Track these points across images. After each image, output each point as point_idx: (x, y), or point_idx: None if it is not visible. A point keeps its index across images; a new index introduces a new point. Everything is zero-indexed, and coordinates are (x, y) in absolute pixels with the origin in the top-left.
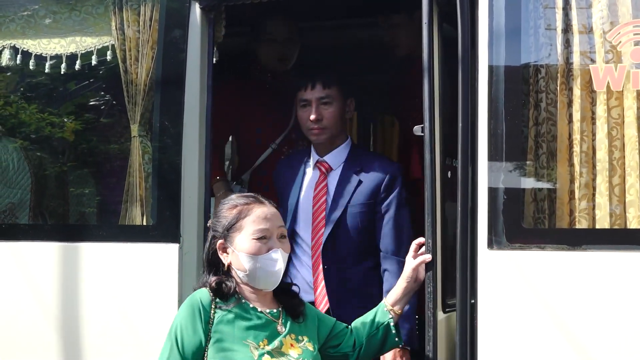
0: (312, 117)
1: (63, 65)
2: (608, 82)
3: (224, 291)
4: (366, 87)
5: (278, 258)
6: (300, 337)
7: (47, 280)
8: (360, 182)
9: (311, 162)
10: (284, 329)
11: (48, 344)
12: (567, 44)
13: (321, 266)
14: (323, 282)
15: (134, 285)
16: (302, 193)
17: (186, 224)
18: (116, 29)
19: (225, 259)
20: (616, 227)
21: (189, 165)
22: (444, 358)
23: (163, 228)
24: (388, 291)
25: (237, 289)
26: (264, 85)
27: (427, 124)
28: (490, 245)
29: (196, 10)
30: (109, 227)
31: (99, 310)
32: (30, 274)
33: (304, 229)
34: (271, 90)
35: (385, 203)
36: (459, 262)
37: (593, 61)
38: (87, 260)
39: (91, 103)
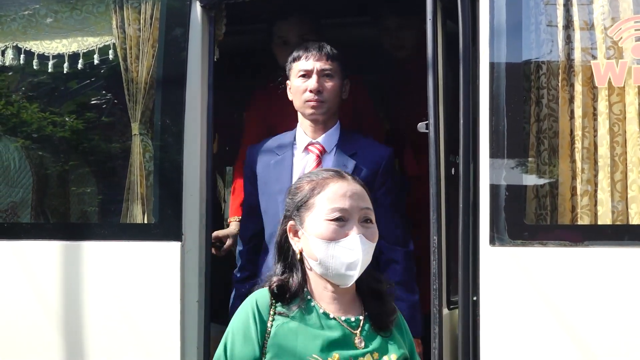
0: (314, 86)
1: (64, 64)
2: (609, 78)
3: (287, 290)
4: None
5: (356, 246)
6: (386, 358)
7: (50, 278)
8: (356, 166)
9: (299, 145)
10: (363, 344)
11: (50, 343)
12: (568, 40)
13: None
14: None
15: (136, 283)
16: (294, 178)
17: (188, 222)
18: (117, 27)
19: (296, 244)
20: (618, 223)
21: (190, 163)
22: (448, 354)
23: (165, 226)
24: (398, 283)
25: (307, 286)
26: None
27: (431, 121)
28: (492, 241)
29: (197, 8)
30: (110, 225)
31: (101, 309)
32: (32, 272)
33: None
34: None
35: (383, 190)
36: (461, 259)
37: (594, 57)
38: (89, 259)
39: (92, 102)
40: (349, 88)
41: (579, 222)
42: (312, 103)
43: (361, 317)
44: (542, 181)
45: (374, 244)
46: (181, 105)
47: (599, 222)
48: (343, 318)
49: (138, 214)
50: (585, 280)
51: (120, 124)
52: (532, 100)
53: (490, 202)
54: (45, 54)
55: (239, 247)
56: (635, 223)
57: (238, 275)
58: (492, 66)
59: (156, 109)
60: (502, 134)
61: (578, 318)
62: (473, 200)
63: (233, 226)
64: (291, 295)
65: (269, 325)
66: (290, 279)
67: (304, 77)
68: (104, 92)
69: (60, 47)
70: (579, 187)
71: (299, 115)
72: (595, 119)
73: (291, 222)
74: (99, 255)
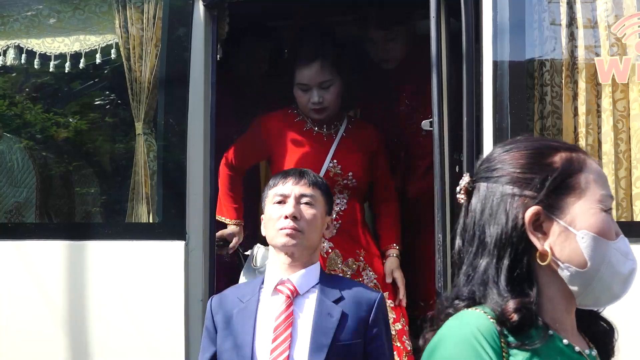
0: (289, 211)
1: (67, 64)
2: (613, 75)
3: (529, 318)
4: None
5: (630, 251)
6: None
7: (55, 278)
8: (343, 315)
9: (267, 286)
10: None
11: (55, 342)
12: (572, 37)
13: None
14: None
15: (141, 282)
16: (259, 329)
17: (192, 222)
18: (120, 27)
19: (540, 242)
20: (623, 219)
21: (194, 162)
22: None
23: (169, 225)
24: None
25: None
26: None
27: (435, 119)
28: None
29: (199, 7)
30: (115, 225)
31: (106, 308)
32: (37, 272)
33: None
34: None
35: (377, 344)
36: None
37: (598, 54)
38: (94, 258)
39: (96, 101)
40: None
41: None
42: (287, 231)
43: (593, 349)
44: None
45: None
46: (184, 104)
47: None
48: (587, 351)
49: (142, 214)
50: None
51: (123, 124)
52: (535, 98)
53: None
54: (48, 54)
55: None
56: None
57: None
58: (496, 63)
59: (159, 108)
60: (505, 131)
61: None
62: None
63: (234, 228)
64: (532, 323)
65: None
66: (529, 298)
67: (279, 203)
68: (107, 92)
69: (63, 47)
70: None
71: (271, 251)
72: (599, 116)
73: (537, 208)
74: (104, 254)
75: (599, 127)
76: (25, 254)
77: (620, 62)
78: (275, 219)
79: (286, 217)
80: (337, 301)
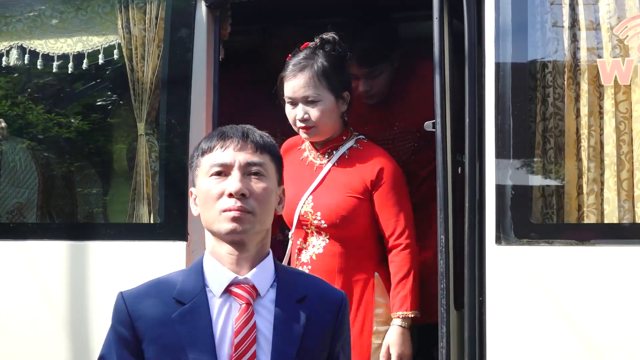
0: (235, 187)
1: (70, 65)
2: (615, 76)
3: None
4: None
5: None
6: None
7: (55, 278)
8: (308, 319)
9: (213, 286)
10: None
11: (57, 343)
12: (574, 38)
13: None
14: None
15: (141, 283)
16: (218, 337)
17: (193, 222)
18: (122, 27)
19: None
20: (625, 221)
21: None
22: (456, 354)
23: (170, 226)
24: None
25: None
26: None
27: (438, 120)
28: (499, 240)
29: (202, 8)
30: (116, 225)
31: (107, 308)
32: (38, 272)
33: None
34: None
35: (339, 348)
36: (467, 258)
37: (600, 55)
38: (95, 259)
39: (98, 101)
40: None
41: (585, 221)
42: (233, 213)
43: None
44: (548, 180)
45: None
46: (186, 105)
47: (606, 221)
48: None
49: (144, 214)
50: (591, 279)
51: (126, 124)
52: (537, 99)
53: (496, 201)
54: (51, 55)
55: None
56: None
57: None
58: (498, 65)
59: (162, 109)
60: (507, 133)
61: (584, 317)
62: (479, 199)
63: None
64: None
65: None
66: None
67: (219, 175)
68: (109, 92)
69: (65, 48)
70: (585, 185)
71: (209, 239)
72: (601, 118)
73: None
74: (105, 255)
75: (602, 129)
76: (26, 254)
77: (623, 64)
78: (214, 198)
79: (230, 195)
80: (300, 301)
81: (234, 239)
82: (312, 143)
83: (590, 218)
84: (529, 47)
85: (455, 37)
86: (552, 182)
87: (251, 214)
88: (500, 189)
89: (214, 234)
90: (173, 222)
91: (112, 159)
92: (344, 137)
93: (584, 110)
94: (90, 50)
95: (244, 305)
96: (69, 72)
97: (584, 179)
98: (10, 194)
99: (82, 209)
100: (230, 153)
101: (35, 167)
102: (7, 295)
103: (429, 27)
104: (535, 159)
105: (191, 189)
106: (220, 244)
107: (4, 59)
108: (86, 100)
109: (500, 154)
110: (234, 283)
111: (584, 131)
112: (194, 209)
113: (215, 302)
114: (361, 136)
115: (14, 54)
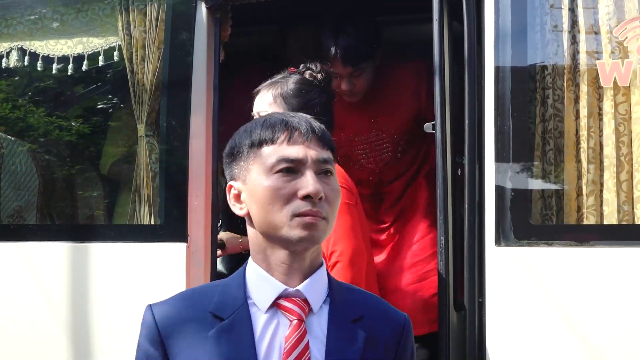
0: (314, 188)
1: (70, 66)
2: (615, 78)
3: None
4: None
5: None
6: None
7: (55, 279)
8: (367, 340)
9: (258, 300)
10: None
11: (57, 344)
12: (574, 40)
13: None
14: None
15: (141, 284)
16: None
17: (193, 223)
18: (123, 29)
19: None
20: (624, 223)
21: (196, 164)
22: (456, 355)
23: (170, 227)
24: None
25: None
26: None
27: (438, 122)
28: (498, 242)
29: (202, 10)
30: (117, 227)
31: (108, 310)
32: (39, 274)
33: None
34: None
35: None
36: (467, 260)
37: (599, 57)
38: (95, 260)
39: (98, 103)
40: None
41: (585, 222)
42: (309, 220)
43: None
44: (547, 181)
45: None
46: (187, 106)
47: (605, 222)
48: None
49: (144, 216)
50: (591, 280)
51: (126, 126)
52: (537, 101)
53: (496, 202)
54: (51, 56)
55: None
56: None
57: None
58: (498, 67)
59: (162, 110)
60: (507, 135)
61: (584, 318)
62: (479, 200)
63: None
64: None
65: None
66: None
67: (287, 172)
68: (110, 94)
69: (66, 50)
70: (584, 187)
71: (257, 244)
72: (600, 119)
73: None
74: (105, 256)
75: (601, 130)
76: (27, 256)
77: (622, 66)
78: (284, 199)
79: (305, 198)
80: (356, 321)
81: (300, 248)
82: None
83: (589, 219)
84: (529, 49)
85: (455, 39)
86: (552, 184)
87: (325, 220)
88: (499, 191)
89: (272, 238)
90: (173, 224)
91: (113, 160)
92: None
93: (583, 112)
94: (90, 52)
95: (295, 321)
96: (70, 74)
97: (584, 181)
98: (12, 197)
99: (83, 210)
100: (301, 147)
101: (36, 169)
102: (7, 296)
103: (429, 30)
104: (534, 161)
105: (232, 183)
106: (274, 250)
107: (4, 60)
108: (86, 102)
109: (499, 155)
110: (283, 296)
111: (584, 133)
112: (236, 206)
113: (260, 318)
114: None
115: (14, 55)
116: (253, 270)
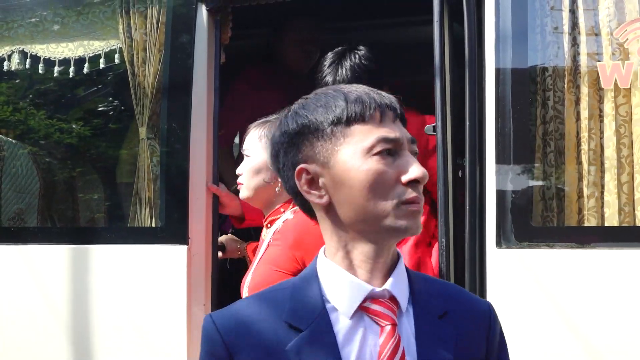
0: (419, 172)
1: (71, 69)
2: (615, 80)
3: None
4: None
5: None
6: None
7: (57, 282)
8: (457, 341)
9: (341, 305)
10: None
11: (57, 346)
12: (574, 42)
13: None
14: None
15: (143, 286)
16: None
17: (194, 226)
18: (124, 32)
19: None
20: (625, 224)
21: (197, 167)
22: None
23: (171, 230)
24: None
25: None
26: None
27: (439, 124)
28: (499, 244)
29: (203, 12)
30: (118, 229)
31: (108, 312)
32: (40, 276)
33: None
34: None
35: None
36: (468, 261)
37: (600, 59)
38: (96, 262)
39: (99, 106)
40: None
41: (586, 224)
42: (415, 207)
43: None
44: (548, 183)
45: None
46: (187, 109)
47: (606, 224)
48: None
49: (145, 218)
50: (592, 282)
51: (127, 128)
52: (538, 103)
53: (497, 204)
54: (52, 59)
55: None
56: None
57: None
58: (498, 68)
59: (163, 113)
60: (508, 136)
61: (585, 320)
62: (479, 202)
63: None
64: None
65: None
66: None
67: (387, 155)
68: (111, 97)
69: (67, 52)
70: (585, 189)
71: (335, 237)
72: (601, 121)
73: None
74: (106, 258)
75: (602, 132)
76: (28, 258)
77: (623, 67)
78: (390, 184)
79: (408, 184)
80: (442, 317)
81: (400, 237)
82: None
83: (590, 221)
84: (529, 50)
85: (456, 41)
86: (553, 185)
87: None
88: (500, 192)
89: (367, 230)
90: (174, 226)
91: (114, 162)
92: (282, 209)
93: (584, 114)
94: (91, 55)
95: (388, 327)
96: (71, 76)
97: (584, 182)
98: (12, 199)
99: (84, 213)
100: (393, 126)
101: (37, 172)
102: (8, 299)
103: (430, 32)
104: (535, 162)
105: (305, 166)
106: (357, 244)
107: (5, 63)
108: (87, 104)
109: (500, 157)
110: (370, 297)
111: (584, 134)
112: (312, 194)
113: (343, 325)
114: None
115: (15, 58)
116: (329, 268)
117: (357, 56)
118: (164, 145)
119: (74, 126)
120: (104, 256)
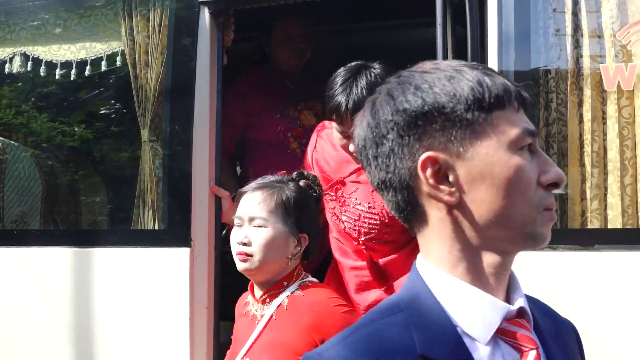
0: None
1: (73, 72)
2: (618, 82)
3: None
4: None
5: None
6: None
7: (60, 284)
8: (572, 356)
9: (476, 331)
10: None
11: (60, 348)
12: (577, 44)
13: None
14: None
15: (146, 289)
16: None
17: (197, 228)
18: (126, 34)
19: None
20: (628, 227)
21: (199, 169)
22: None
23: (174, 232)
24: None
25: None
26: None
27: None
28: None
29: (205, 15)
30: (120, 231)
31: (111, 315)
32: (42, 279)
33: None
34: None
35: None
36: None
37: (603, 61)
38: (99, 265)
39: (101, 109)
40: None
41: (589, 226)
42: (554, 215)
43: None
44: None
45: None
46: (190, 112)
47: (609, 226)
48: None
49: (148, 221)
50: (595, 284)
51: (129, 131)
52: (541, 105)
53: None
54: (54, 62)
55: None
56: None
57: None
58: (501, 71)
59: (165, 115)
60: None
61: (588, 322)
62: None
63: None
64: None
65: None
66: None
67: (529, 151)
68: (113, 99)
69: (69, 55)
70: (588, 191)
71: (456, 244)
72: (604, 123)
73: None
74: (109, 261)
75: (605, 134)
76: (30, 261)
77: (626, 69)
78: (533, 185)
79: (549, 187)
80: (555, 337)
81: (523, 250)
82: (252, 289)
83: (593, 223)
84: (532, 52)
85: (459, 43)
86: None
87: None
88: None
89: (502, 237)
90: (176, 229)
91: (116, 165)
92: (285, 282)
93: (587, 116)
94: (93, 58)
95: (533, 352)
96: (73, 79)
97: (588, 184)
98: (15, 202)
99: (87, 216)
100: (525, 117)
101: (39, 175)
102: (11, 301)
103: (432, 34)
104: None
105: (432, 154)
106: (482, 255)
107: (7, 66)
108: (90, 107)
109: None
110: (509, 318)
111: (587, 136)
112: (442, 190)
113: (480, 352)
114: (308, 278)
115: (17, 61)
116: (451, 285)
117: (372, 74)
118: (166, 147)
119: (76, 129)
120: (107, 259)
